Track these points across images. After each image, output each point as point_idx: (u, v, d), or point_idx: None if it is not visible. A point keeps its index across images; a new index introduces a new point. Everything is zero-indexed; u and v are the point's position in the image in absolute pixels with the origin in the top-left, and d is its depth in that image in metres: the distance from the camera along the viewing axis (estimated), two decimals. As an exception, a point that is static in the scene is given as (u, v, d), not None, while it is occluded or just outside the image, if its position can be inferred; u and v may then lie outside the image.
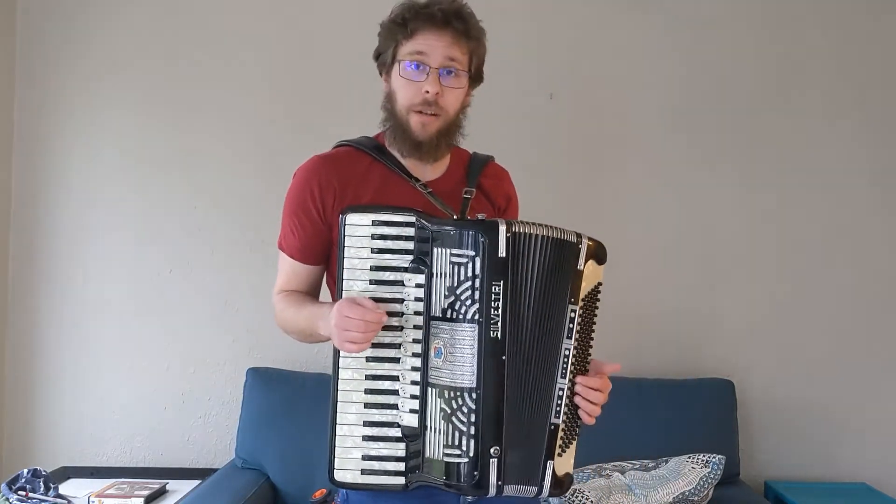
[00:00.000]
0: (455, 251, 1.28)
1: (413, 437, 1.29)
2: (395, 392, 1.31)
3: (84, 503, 2.34)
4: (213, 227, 2.75)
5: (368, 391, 1.31)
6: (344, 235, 1.31)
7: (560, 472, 1.36)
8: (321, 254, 1.48)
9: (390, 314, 1.29)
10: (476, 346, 1.28)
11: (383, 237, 1.31)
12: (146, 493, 2.38)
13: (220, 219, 2.75)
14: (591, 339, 1.39)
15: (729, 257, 2.77)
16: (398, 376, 1.31)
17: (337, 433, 1.31)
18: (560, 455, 1.35)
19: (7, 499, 2.27)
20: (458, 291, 1.28)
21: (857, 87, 2.79)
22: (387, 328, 1.30)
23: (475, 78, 1.48)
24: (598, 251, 1.38)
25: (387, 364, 1.31)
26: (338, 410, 1.31)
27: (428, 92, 1.40)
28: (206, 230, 2.75)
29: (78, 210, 2.75)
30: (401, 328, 1.31)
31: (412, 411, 1.30)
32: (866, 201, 2.80)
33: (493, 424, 1.28)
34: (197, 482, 2.50)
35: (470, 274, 1.28)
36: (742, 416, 2.63)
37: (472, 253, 1.28)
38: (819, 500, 2.55)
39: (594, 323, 1.39)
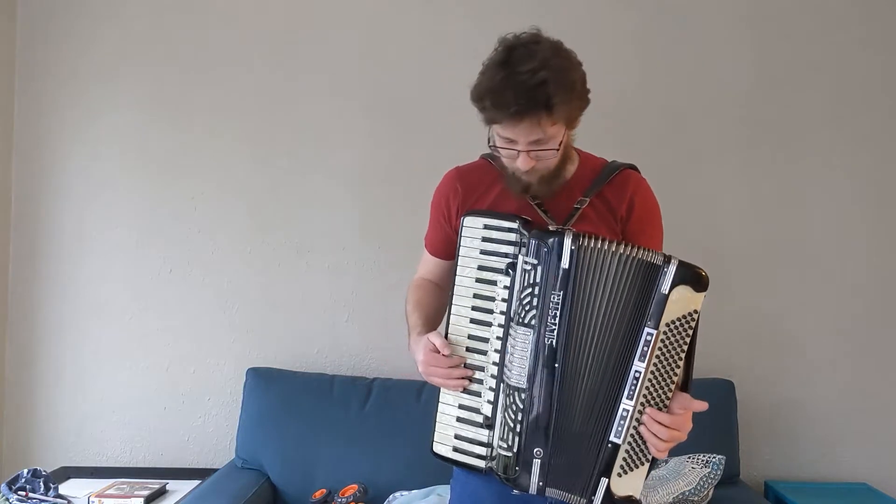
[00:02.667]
0: (526, 258, 1.36)
1: (490, 426, 1.40)
2: (483, 382, 1.41)
3: (84, 503, 2.35)
4: (213, 228, 2.75)
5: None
6: (461, 235, 1.44)
7: (619, 493, 1.35)
8: (446, 251, 1.59)
9: (485, 311, 1.41)
10: (531, 349, 1.35)
11: (490, 240, 1.41)
12: (146, 493, 2.38)
13: (220, 219, 2.75)
14: (678, 367, 1.34)
15: (729, 257, 2.77)
16: (485, 368, 1.41)
17: (439, 410, 1.45)
18: (620, 476, 1.35)
19: (7, 499, 2.27)
20: (521, 296, 1.36)
21: (857, 89, 2.79)
22: (482, 323, 1.41)
23: (576, 115, 1.43)
24: (693, 277, 1.32)
25: (479, 355, 1.41)
26: (442, 390, 1.45)
27: (519, 167, 1.41)
28: (206, 230, 2.75)
29: (78, 210, 2.75)
30: (491, 325, 1.40)
31: (489, 402, 1.40)
32: (866, 202, 2.79)
33: (539, 427, 1.36)
34: (197, 482, 2.50)
35: (532, 281, 1.35)
36: (742, 416, 2.63)
37: (535, 261, 1.35)
38: (819, 500, 2.54)
39: (684, 352, 1.33)
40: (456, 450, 1.43)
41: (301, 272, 2.75)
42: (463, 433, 1.43)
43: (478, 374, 1.41)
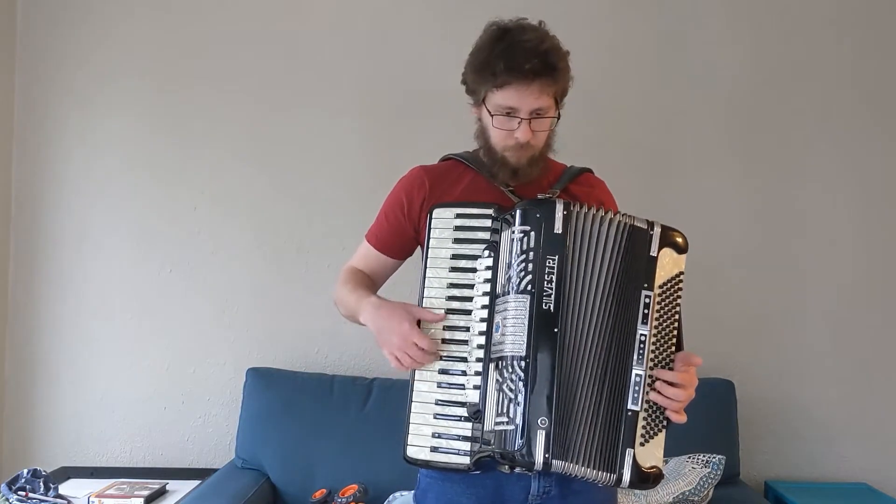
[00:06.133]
0: (515, 228, 1.34)
1: (476, 414, 1.33)
2: (464, 372, 1.36)
3: (84, 503, 2.35)
4: (213, 227, 2.75)
5: (441, 371, 1.38)
6: (430, 227, 1.42)
7: (645, 464, 1.32)
8: (394, 247, 1.57)
9: (463, 299, 1.38)
10: (528, 315, 1.31)
11: (465, 228, 1.40)
12: (146, 493, 2.38)
13: (220, 219, 2.75)
14: (675, 329, 1.37)
15: (729, 257, 2.77)
16: (467, 356, 1.36)
17: (412, 410, 1.37)
18: (642, 445, 1.32)
19: (7, 499, 2.27)
20: (514, 265, 1.33)
21: (854, 88, 2.79)
22: (460, 312, 1.38)
23: (565, 92, 1.49)
24: (674, 240, 1.38)
25: (458, 345, 1.37)
26: (414, 388, 1.38)
27: (519, 139, 1.43)
28: (206, 230, 2.75)
29: (78, 210, 2.75)
30: (471, 312, 1.37)
31: (475, 387, 1.34)
32: (865, 202, 2.79)
33: (542, 395, 1.30)
34: (197, 482, 2.50)
35: (525, 247, 1.33)
36: (742, 416, 2.63)
37: (527, 228, 1.34)
38: (819, 500, 2.54)
39: (678, 313, 1.37)
40: (435, 450, 1.35)
41: (301, 272, 2.75)
42: (442, 430, 1.35)
43: (457, 366, 1.36)
